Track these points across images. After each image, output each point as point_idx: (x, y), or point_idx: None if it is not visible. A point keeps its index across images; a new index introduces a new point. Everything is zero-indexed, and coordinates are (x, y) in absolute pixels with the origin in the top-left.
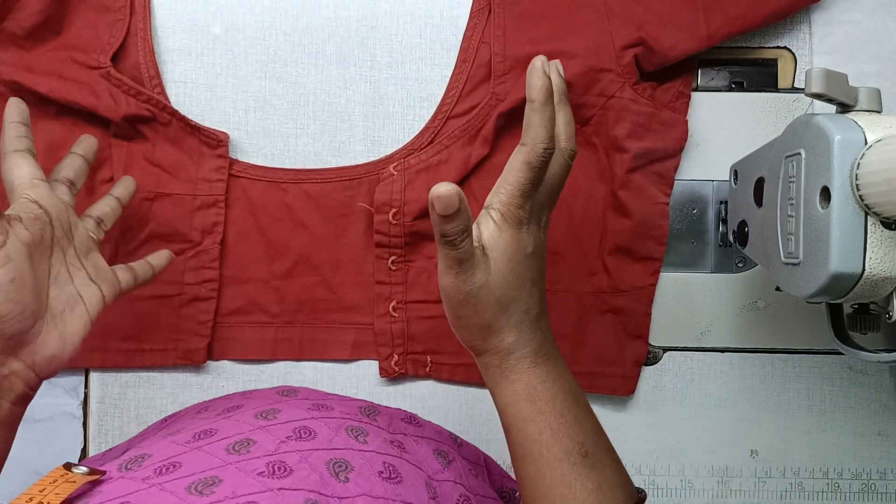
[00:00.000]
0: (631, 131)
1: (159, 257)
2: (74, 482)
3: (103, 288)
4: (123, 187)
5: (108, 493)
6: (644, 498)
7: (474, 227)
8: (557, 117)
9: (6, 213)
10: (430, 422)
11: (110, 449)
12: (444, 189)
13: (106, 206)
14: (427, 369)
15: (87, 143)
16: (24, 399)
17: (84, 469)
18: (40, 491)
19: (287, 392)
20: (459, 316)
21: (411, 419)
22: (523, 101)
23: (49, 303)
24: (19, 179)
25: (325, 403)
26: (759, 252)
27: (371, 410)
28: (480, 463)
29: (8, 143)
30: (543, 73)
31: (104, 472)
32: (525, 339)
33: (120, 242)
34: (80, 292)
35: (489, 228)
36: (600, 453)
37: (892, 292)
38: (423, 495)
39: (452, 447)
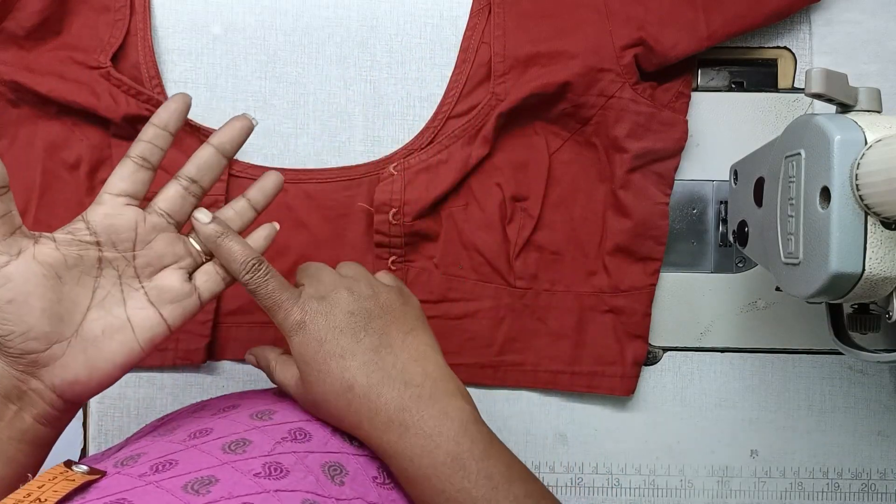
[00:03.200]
0: (631, 131)
1: (257, 238)
2: (73, 481)
3: (165, 311)
4: (259, 188)
5: (105, 490)
6: None
7: None
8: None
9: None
10: None
11: (108, 448)
12: None
13: (230, 210)
14: None
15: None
16: (51, 419)
17: (84, 468)
18: (39, 487)
19: (283, 392)
20: None
21: None
22: (523, 101)
23: (84, 325)
24: (102, 190)
25: None
26: (759, 252)
27: None
28: None
29: (133, 144)
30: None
31: (104, 472)
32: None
33: None
34: (131, 316)
35: None
36: None
37: (892, 292)
38: None
39: None
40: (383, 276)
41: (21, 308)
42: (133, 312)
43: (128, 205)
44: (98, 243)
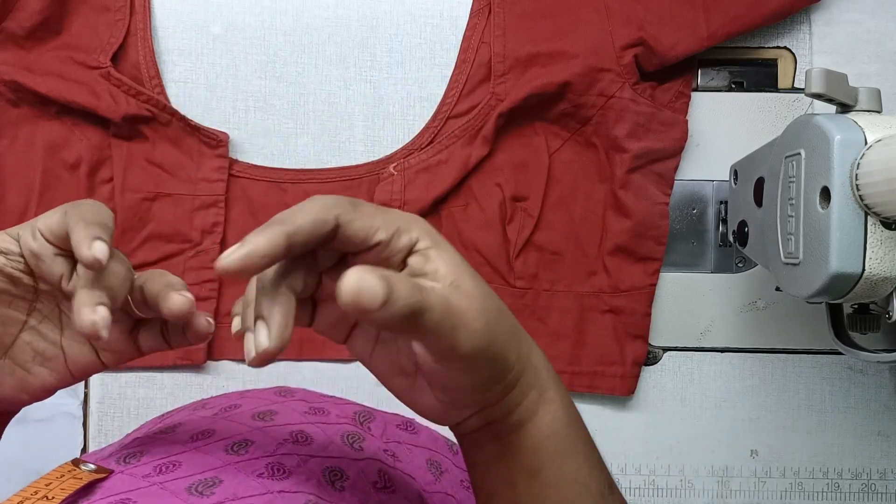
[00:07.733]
0: (631, 131)
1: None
2: (81, 479)
3: (103, 353)
4: (147, 277)
5: (110, 490)
6: None
7: None
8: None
9: None
10: (426, 427)
11: (108, 445)
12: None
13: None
14: None
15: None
16: None
17: (92, 466)
18: (46, 485)
19: (284, 392)
20: None
21: (407, 425)
22: (523, 101)
23: (13, 348)
24: (39, 220)
25: (321, 407)
26: (759, 252)
27: (366, 416)
28: None
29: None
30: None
31: (111, 471)
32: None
33: (120, 242)
34: (65, 347)
35: None
36: None
37: (892, 292)
38: None
39: (447, 455)
40: None
41: None
42: (68, 343)
43: (57, 255)
44: (32, 273)
